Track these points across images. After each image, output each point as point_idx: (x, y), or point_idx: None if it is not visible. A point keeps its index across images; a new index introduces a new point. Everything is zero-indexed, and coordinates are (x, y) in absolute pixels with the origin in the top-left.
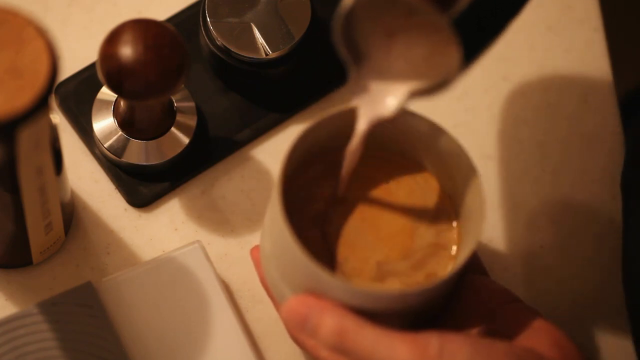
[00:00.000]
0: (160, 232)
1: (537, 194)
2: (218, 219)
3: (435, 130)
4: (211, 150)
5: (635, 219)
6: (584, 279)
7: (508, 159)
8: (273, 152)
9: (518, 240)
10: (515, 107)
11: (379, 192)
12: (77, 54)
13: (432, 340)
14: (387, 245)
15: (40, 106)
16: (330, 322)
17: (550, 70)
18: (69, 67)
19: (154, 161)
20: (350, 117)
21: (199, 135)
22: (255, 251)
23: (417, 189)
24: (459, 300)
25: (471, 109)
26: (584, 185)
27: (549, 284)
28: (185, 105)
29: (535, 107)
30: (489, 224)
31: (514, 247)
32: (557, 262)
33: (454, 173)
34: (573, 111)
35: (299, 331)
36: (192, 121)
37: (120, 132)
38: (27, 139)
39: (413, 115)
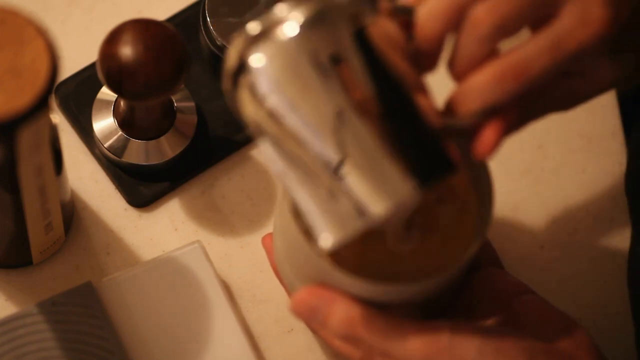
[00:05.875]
0: (160, 232)
1: (537, 194)
2: (218, 219)
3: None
4: (211, 150)
5: None
6: (584, 279)
7: (508, 159)
8: None
9: (518, 240)
10: None
11: None
12: (77, 54)
13: (442, 330)
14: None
15: (40, 106)
16: (340, 312)
17: None
18: (69, 67)
19: (154, 161)
20: None
21: (199, 135)
22: (267, 239)
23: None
24: (474, 290)
25: None
26: (584, 185)
27: (549, 284)
28: (185, 105)
29: None
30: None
31: (514, 247)
32: (557, 262)
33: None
34: (573, 111)
35: (309, 321)
36: (192, 121)
37: (120, 132)
38: (27, 139)
39: None
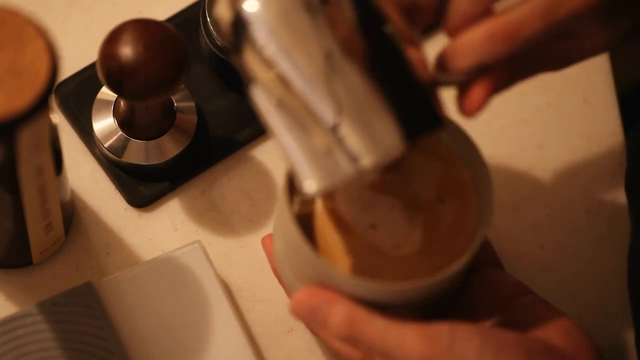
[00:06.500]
0: (160, 232)
1: (537, 194)
2: (218, 219)
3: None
4: (211, 150)
5: None
6: (584, 279)
7: (508, 159)
8: (273, 152)
9: (518, 240)
10: (515, 107)
11: (395, 179)
12: (77, 54)
13: (442, 330)
14: (403, 234)
15: (40, 106)
16: (339, 313)
17: None
18: (69, 67)
19: (154, 161)
20: None
21: (199, 135)
22: (266, 240)
23: (434, 175)
24: (474, 291)
25: None
26: (584, 185)
27: (549, 284)
28: (185, 105)
29: (535, 107)
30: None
31: (514, 247)
32: (557, 262)
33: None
34: (573, 111)
35: (308, 322)
36: (192, 121)
37: (120, 132)
38: (27, 139)
39: None
